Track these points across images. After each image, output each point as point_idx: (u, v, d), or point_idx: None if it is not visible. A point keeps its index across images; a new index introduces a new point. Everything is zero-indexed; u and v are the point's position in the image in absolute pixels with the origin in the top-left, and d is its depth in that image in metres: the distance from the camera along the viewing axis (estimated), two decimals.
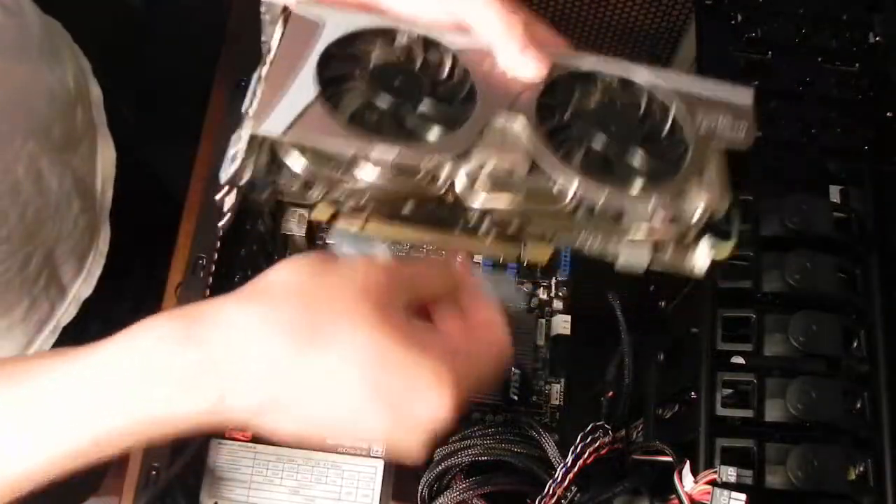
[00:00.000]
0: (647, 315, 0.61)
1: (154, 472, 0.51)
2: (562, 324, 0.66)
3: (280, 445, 0.54)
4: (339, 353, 0.32)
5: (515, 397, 0.65)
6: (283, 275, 0.34)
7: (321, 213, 0.38)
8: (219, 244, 0.56)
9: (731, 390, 0.45)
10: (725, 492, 0.40)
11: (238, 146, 0.35)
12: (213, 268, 0.55)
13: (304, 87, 0.36)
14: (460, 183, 0.35)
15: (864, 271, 0.47)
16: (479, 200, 0.36)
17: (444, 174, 0.35)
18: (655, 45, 0.71)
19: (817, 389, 0.42)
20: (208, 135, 0.67)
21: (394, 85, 0.37)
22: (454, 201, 0.36)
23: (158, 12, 0.81)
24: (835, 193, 0.52)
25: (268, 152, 0.36)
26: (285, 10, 0.38)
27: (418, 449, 0.34)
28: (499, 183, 0.35)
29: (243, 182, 0.35)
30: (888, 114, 0.53)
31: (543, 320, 0.68)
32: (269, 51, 0.38)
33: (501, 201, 0.36)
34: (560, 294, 0.69)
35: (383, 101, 0.36)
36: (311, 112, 0.35)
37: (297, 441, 0.34)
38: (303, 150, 0.35)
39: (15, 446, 0.33)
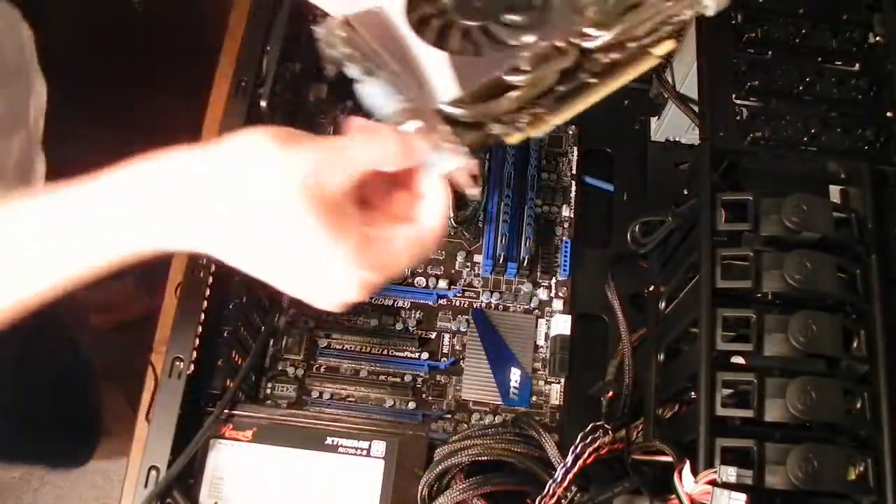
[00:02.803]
0: (647, 315, 0.61)
1: (154, 472, 0.51)
2: (562, 324, 0.67)
3: (280, 446, 0.54)
4: (267, 232, 0.38)
5: (515, 397, 0.65)
6: (242, 142, 0.38)
7: (513, 139, 0.42)
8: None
9: (731, 390, 0.45)
10: (725, 492, 0.40)
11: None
12: (213, 268, 0.55)
13: (429, 56, 0.42)
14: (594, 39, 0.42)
15: (864, 271, 0.47)
16: (611, 34, 0.42)
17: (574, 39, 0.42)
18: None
19: (817, 389, 0.42)
20: (208, 136, 0.67)
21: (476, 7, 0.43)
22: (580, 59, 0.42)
23: (158, 12, 0.81)
24: (835, 193, 0.52)
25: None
26: (346, 21, 0.43)
27: (331, 308, 0.40)
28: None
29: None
30: (888, 114, 0.53)
31: (543, 320, 0.68)
32: (361, 59, 0.43)
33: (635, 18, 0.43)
34: (560, 294, 0.69)
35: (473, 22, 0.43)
36: (456, 65, 0.41)
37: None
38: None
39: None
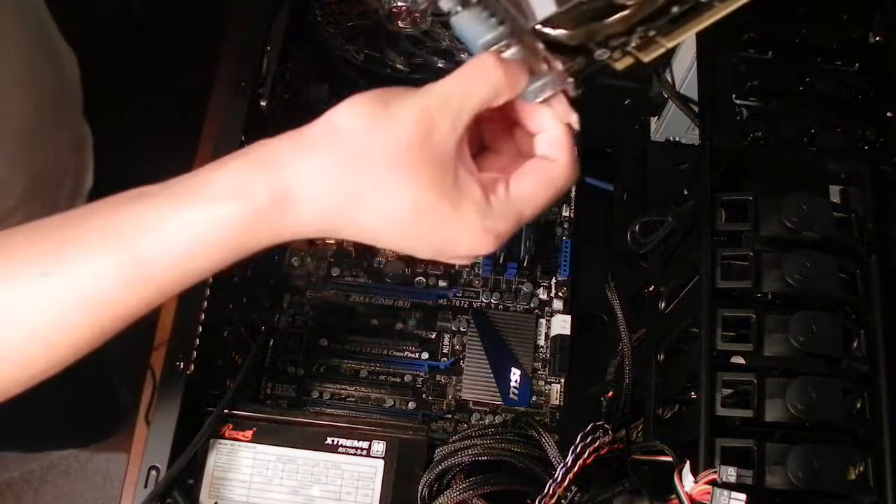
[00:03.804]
0: (647, 315, 0.61)
1: (154, 472, 0.51)
2: (562, 324, 0.67)
3: (280, 446, 0.54)
4: (388, 202, 0.36)
5: (515, 397, 0.65)
6: (341, 119, 0.36)
7: (621, 63, 0.41)
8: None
9: (731, 390, 0.45)
10: (725, 492, 0.40)
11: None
12: None
13: None
14: None
15: (864, 271, 0.47)
16: None
17: None
18: None
19: (817, 389, 0.42)
20: (209, 135, 0.67)
21: None
22: None
23: (158, 13, 0.81)
24: (835, 193, 0.52)
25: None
26: None
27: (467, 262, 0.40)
28: None
29: None
30: (888, 114, 0.53)
31: (543, 320, 0.68)
32: None
33: None
34: (560, 294, 0.69)
35: None
36: None
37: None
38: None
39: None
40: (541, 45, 0.39)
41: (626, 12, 0.39)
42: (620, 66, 0.41)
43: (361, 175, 0.36)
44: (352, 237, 0.38)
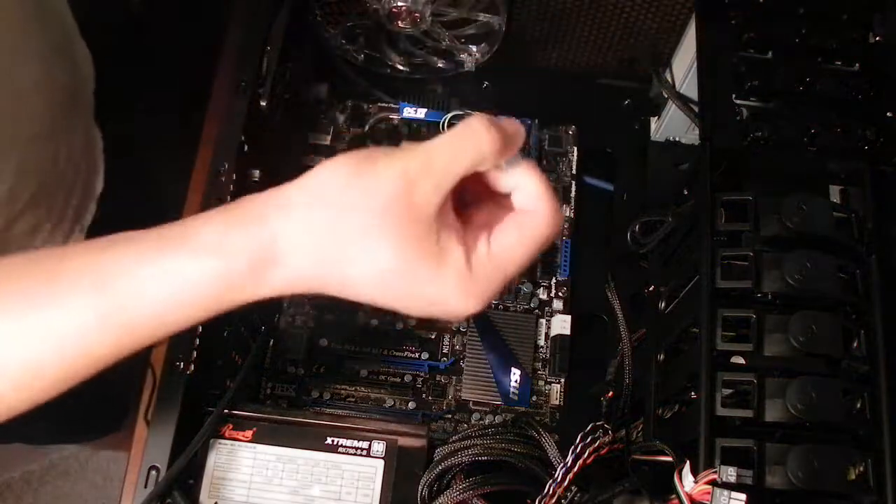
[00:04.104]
0: (647, 315, 0.61)
1: (154, 472, 0.51)
2: (562, 324, 0.67)
3: (280, 446, 0.54)
4: (370, 265, 0.36)
5: (515, 397, 0.65)
6: (325, 176, 0.36)
7: None
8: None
9: (731, 390, 0.45)
10: (725, 492, 0.40)
11: None
12: None
13: None
14: None
15: (864, 271, 0.47)
16: None
17: None
18: (655, 45, 0.71)
19: (817, 389, 0.42)
20: (208, 137, 0.67)
21: None
22: None
23: (158, 13, 0.81)
24: (835, 193, 0.52)
25: None
26: None
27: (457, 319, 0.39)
28: None
29: None
30: (888, 114, 0.53)
31: (543, 320, 0.68)
32: None
33: None
34: (560, 294, 0.69)
35: None
36: None
37: None
38: None
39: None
40: None
41: None
42: None
43: (344, 233, 0.36)
44: (337, 294, 0.37)
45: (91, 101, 0.70)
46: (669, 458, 0.47)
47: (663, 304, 0.57)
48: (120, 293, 0.35)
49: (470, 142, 0.36)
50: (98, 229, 0.69)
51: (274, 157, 0.67)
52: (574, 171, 0.73)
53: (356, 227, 0.35)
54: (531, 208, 0.39)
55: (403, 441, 0.54)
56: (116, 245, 0.36)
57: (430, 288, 0.37)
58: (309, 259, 0.36)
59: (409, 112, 0.71)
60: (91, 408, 0.92)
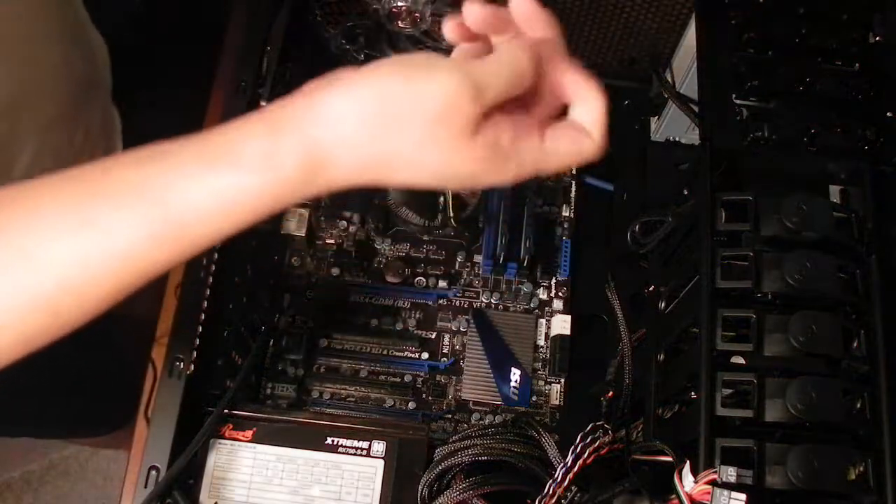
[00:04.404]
0: (647, 315, 0.61)
1: (154, 472, 0.51)
2: (562, 324, 0.67)
3: (280, 446, 0.54)
4: (418, 169, 0.37)
5: (515, 397, 0.65)
6: (373, 82, 0.36)
7: None
8: (219, 244, 0.56)
9: (731, 390, 0.45)
10: (725, 492, 0.40)
11: None
12: (213, 268, 0.55)
13: None
14: None
15: (864, 271, 0.47)
16: None
17: None
18: (655, 45, 0.71)
19: (817, 389, 0.42)
20: None
21: None
22: None
23: (157, 13, 0.81)
24: (835, 193, 0.52)
25: None
26: None
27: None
28: None
29: None
30: (888, 114, 0.53)
31: (543, 320, 0.68)
32: None
33: None
34: (560, 294, 0.69)
35: None
36: None
37: None
38: None
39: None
40: None
41: None
42: None
43: (394, 138, 0.36)
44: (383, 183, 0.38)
45: (108, 83, 0.71)
46: (669, 458, 0.47)
47: (663, 304, 0.57)
48: (171, 209, 0.36)
49: (512, 65, 0.37)
50: None
51: None
52: (574, 171, 0.73)
53: (406, 134, 0.36)
54: (590, 131, 0.39)
55: (403, 441, 0.54)
56: (156, 160, 0.37)
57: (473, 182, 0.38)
58: (358, 161, 0.37)
59: None
60: (101, 401, 0.92)
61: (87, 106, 0.67)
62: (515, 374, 0.65)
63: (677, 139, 0.71)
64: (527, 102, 0.40)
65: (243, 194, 0.36)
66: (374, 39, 0.71)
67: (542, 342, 0.68)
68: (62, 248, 0.36)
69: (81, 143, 0.66)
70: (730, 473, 0.41)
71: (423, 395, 0.66)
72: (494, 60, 0.37)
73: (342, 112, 0.36)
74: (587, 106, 0.40)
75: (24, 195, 0.37)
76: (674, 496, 0.44)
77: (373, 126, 0.36)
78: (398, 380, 0.66)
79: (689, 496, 0.43)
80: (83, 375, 0.84)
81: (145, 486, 0.50)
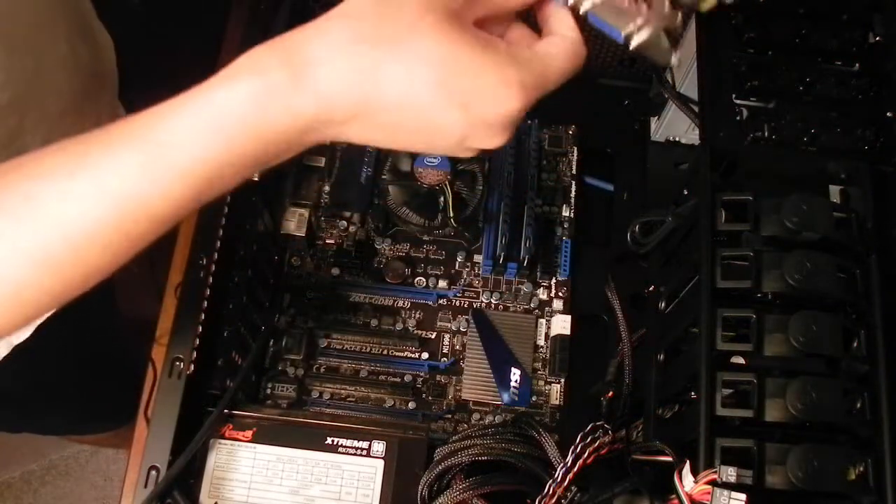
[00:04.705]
0: (647, 315, 0.61)
1: (154, 472, 0.51)
2: (562, 324, 0.67)
3: (280, 446, 0.54)
4: (409, 62, 0.35)
5: (515, 397, 0.65)
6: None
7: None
8: (219, 244, 0.56)
9: (731, 390, 0.45)
10: (725, 492, 0.40)
11: None
12: (213, 268, 0.55)
13: None
14: None
15: (864, 271, 0.47)
16: None
17: None
18: None
19: (817, 389, 0.42)
20: None
21: None
22: None
23: (157, 11, 0.81)
24: (835, 193, 0.52)
25: None
26: None
27: (496, 143, 0.38)
28: None
29: None
30: (888, 114, 0.53)
31: (543, 320, 0.68)
32: None
33: None
34: (560, 294, 0.69)
35: None
36: None
37: (385, 145, 0.39)
38: None
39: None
40: None
41: None
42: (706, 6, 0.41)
43: (383, 38, 0.35)
44: (375, 112, 0.36)
45: (115, 79, 0.71)
46: (669, 458, 0.47)
47: (663, 304, 0.57)
48: (163, 135, 0.35)
49: None
50: None
51: None
52: (574, 171, 0.73)
53: (397, 31, 0.35)
54: (566, 34, 0.40)
55: (403, 441, 0.54)
56: (150, 110, 0.36)
57: (475, 75, 0.36)
58: (345, 68, 0.35)
59: None
60: (101, 401, 0.92)
61: (94, 100, 0.67)
62: (515, 374, 0.65)
63: (677, 139, 0.71)
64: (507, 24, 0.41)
65: (231, 103, 0.35)
66: None
67: (542, 342, 0.68)
68: (59, 191, 0.35)
69: None
70: (730, 473, 0.41)
71: (423, 395, 0.66)
72: None
73: (330, 19, 0.36)
74: (559, 19, 0.40)
75: (36, 154, 0.37)
76: (674, 496, 0.44)
77: (360, 30, 0.35)
78: (398, 380, 0.66)
79: (689, 496, 0.43)
80: (83, 375, 0.84)
81: (145, 486, 0.50)
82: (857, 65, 0.54)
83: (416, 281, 0.69)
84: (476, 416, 0.65)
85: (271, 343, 0.67)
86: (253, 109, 0.35)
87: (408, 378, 0.66)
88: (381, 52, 0.35)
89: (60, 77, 0.60)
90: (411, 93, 0.36)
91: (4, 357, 0.65)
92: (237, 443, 0.54)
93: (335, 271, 0.69)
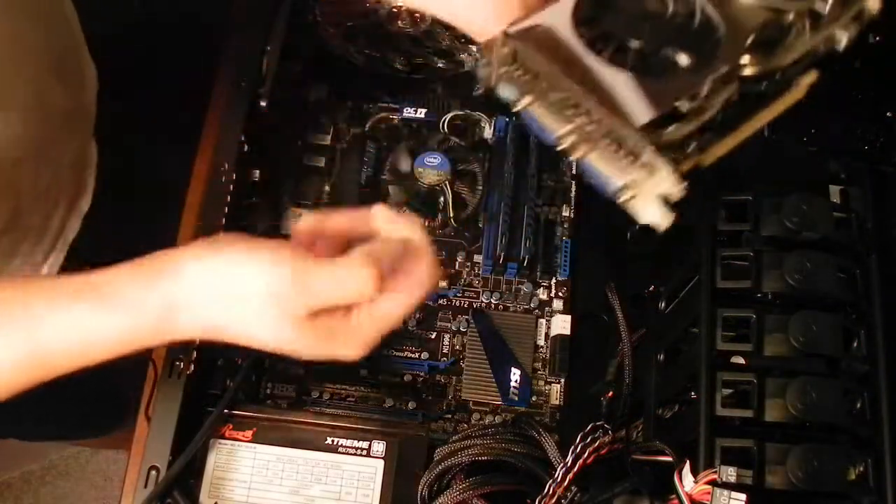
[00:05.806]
0: (647, 315, 0.61)
1: (154, 472, 0.51)
2: (562, 324, 0.66)
3: (280, 446, 0.54)
4: (259, 323, 0.43)
5: (515, 397, 0.65)
6: (220, 257, 0.43)
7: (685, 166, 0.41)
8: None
9: (731, 390, 0.45)
10: (725, 492, 0.40)
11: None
12: None
13: (613, 77, 0.42)
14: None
15: (864, 271, 0.47)
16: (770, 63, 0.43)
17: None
18: None
19: (817, 389, 0.42)
20: (209, 135, 0.67)
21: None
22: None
23: (157, 11, 0.81)
24: (835, 193, 0.52)
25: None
26: (509, 37, 0.43)
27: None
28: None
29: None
30: (888, 114, 0.53)
31: (543, 320, 0.68)
32: (526, 79, 0.43)
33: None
34: (560, 294, 0.69)
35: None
36: (644, 87, 0.41)
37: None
38: None
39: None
40: (643, 142, 0.40)
41: (691, 119, 0.41)
42: (684, 169, 0.41)
43: (235, 304, 0.42)
44: (233, 339, 0.44)
45: (91, 118, 0.69)
46: (669, 458, 0.47)
47: (663, 304, 0.57)
48: (43, 338, 0.41)
49: (353, 288, 0.43)
50: (85, 240, 0.69)
51: (274, 157, 0.67)
52: (574, 171, 0.73)
53: (245, 303, 0.42)
54: (420, 254, 0.45)
55: (403, 441, 0.54)
56: (44, 290, 0.42)
57: (304, 342, 0.44)
58: (206, 318, 0.43)
59: (409, 112, 0.71)
60: (101, 401, 0.92)
61: (58, 145, 0.64)
62: (515, 374, 0.65)
63: None
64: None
65: (111, 331, 0.42)
66: (374, 39, 0.71)
67: (542, 342, 0.68)
68: None
69: (47, 185, 0.63)
70: (730, 473, 0.41)
71: (423, 395, 0.66)
72: (329, 276, 0.42)
73: (197, 277, 0.42)
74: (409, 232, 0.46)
75: None
76: (674, 496, 0.44)
77: (218, 290, 0.42)
78: (398, 380, 0.66)
79: (689, 496, 0.43)
80: (83, 375, 0.84)
81: (145, 486, 0.50)
82: (857, 65, 0.54)
83: None
84: (476, 416, 0.65)
85: None
86: (127, 339, 0.43)
87: (408, 378, 0.66)
88: (234, 317, 0.43)
89: (22, 125, 0.56)
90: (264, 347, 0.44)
91: None
92: (237, 443, 0.54)
93: None
